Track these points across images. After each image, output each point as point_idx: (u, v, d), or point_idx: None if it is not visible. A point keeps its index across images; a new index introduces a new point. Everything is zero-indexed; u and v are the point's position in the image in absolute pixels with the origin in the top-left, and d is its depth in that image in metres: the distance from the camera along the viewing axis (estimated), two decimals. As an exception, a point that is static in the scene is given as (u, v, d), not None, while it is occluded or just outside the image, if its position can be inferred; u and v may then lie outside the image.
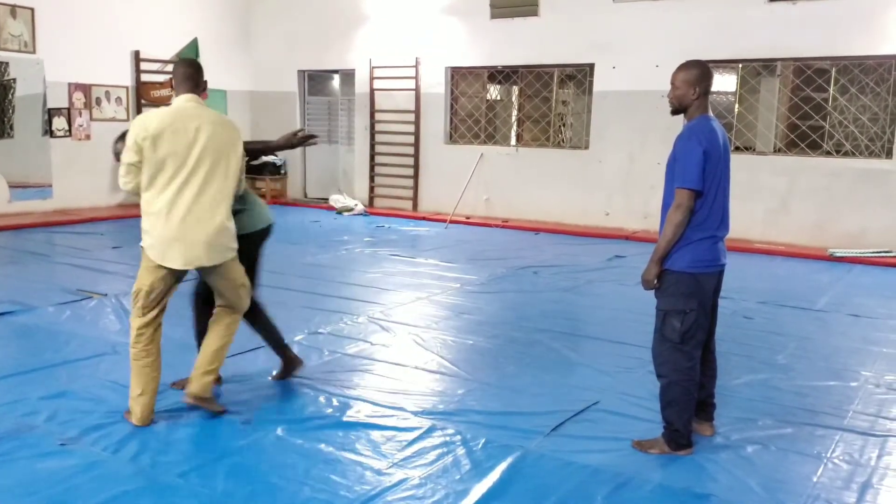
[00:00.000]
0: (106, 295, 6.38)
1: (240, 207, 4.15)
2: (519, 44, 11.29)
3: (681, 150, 3.51)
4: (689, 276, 3.52)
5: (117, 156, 3.97)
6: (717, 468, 3.54)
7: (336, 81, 14.00)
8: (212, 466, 3.40)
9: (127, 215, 11.16)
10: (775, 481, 3.42)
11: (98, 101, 11.58)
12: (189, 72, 3.86)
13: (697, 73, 3.54)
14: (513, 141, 12.25)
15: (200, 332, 4.23)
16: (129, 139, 3.67)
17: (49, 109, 10.99)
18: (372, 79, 12.70)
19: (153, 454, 3.51)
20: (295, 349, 5.08)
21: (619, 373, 4.82)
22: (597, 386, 4.57)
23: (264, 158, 13.66)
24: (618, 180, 10.80)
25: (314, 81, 13.94)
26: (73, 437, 3.65)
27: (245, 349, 5.05)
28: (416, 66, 12.19)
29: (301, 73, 13.65)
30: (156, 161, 3.66)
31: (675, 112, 3.68)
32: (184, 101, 3.80)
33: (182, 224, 3.70)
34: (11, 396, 4.13)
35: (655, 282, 3.58)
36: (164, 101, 12.38)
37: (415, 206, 12.52)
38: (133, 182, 3.74)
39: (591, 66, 10.89)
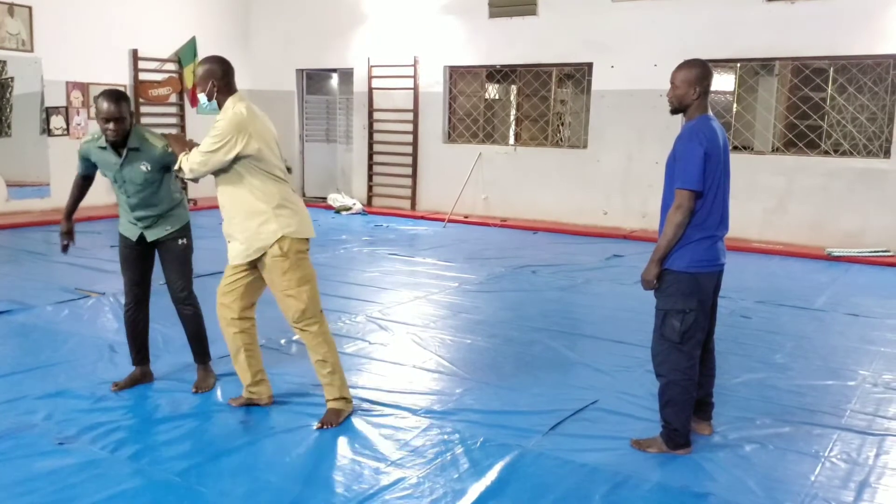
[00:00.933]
0: (104, 294, 6.37)
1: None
2: (517, 43, 11.29)
3: (681, 151, 3.51)
4: (688, 276, 3.52)
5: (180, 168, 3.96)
6: (715, 467, 3.54)
7: (334, 80, 13.99)
8: (210, 465, 3.40)
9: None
10: (773, 480, 3.42)
11: (96, 100, 11.54)
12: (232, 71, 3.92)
13: (698, 72, 3.54)
14: (511, 140, 12.26)
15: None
16: (241, 132, 3.70)
17: (47, 108, 10.98)
18: (370, 78, 12.70)
19: (152, 453, 3.51)
20: (292, 348, 5.10)
21: (617, 372, 4.82)
22: (595, 385, 4.57)
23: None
24: (616, 179, 10.80)
25: (312, 80, 13.93)
26: (71, 436, 3.65)
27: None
28: (414, 66, 12.18)
29: (299, 72, 13.64)
30: (269, 153, 3.85)
31: (674, 111, 3.67)
32: (244, 100, 3.88)
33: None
34: (10, 395, 4.13)
35: (655, 282, 3.58)
36: (163, 100, 12.38)
37: (413, 206, 12.52)
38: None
39: (590, 65, 10.89)
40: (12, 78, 10.85)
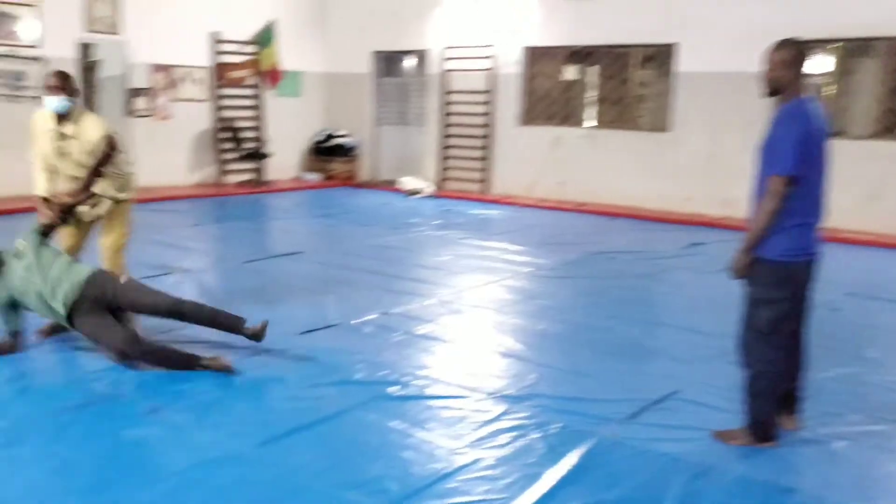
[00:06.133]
0: (188, 271, 6.53)
1: None
2: (598, 23, 11.05)
3: (775, 135, 3.36)
4: (780, 265, 3.37)
5: None
6: (802, 462, 3.40)
7: (409, 63, 13.99)
8: (288, 439, 3.44)
9: (206, 194, 11.45)
10: (866, 479, 3.27)
11: (178, 82, 11.85)
12: None
13: (794, 52, 3.39)
14: (590, 122, 12.03)
15: None
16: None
17: (131, 90, 11.32)
18: (446, 59, 12.64)
19: (234, 425, 3.58)
20: (366, 329, 5.12)
21: (697, 362, 4.68)
22: (674, 374, 4.45)
23: (336, 140, 13.80)
24: (698, 165, 10.48)
25: (387, 63, 13.96)
26: (158, 405, 3.75)
27: (317, 327, 5.11)
28: (491, 47, 12.07)
29: (375, 54, 13.69)
30: None
31: (769, 94, 3.52)
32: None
33: None
34: (101, 364, 4.26)
35: (745, 272, 3.44)
36: (241, 82, 12.60)
37: (486, 189, 12.44)
38: None
39: (673, 46, 10.58)
40: (100, 60, 11.21)
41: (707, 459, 3.40)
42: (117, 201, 4.70)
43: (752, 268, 3.44)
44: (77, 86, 4.55)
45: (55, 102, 4.42)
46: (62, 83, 4.42)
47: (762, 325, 3.42)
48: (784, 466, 3.37)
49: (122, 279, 4.39)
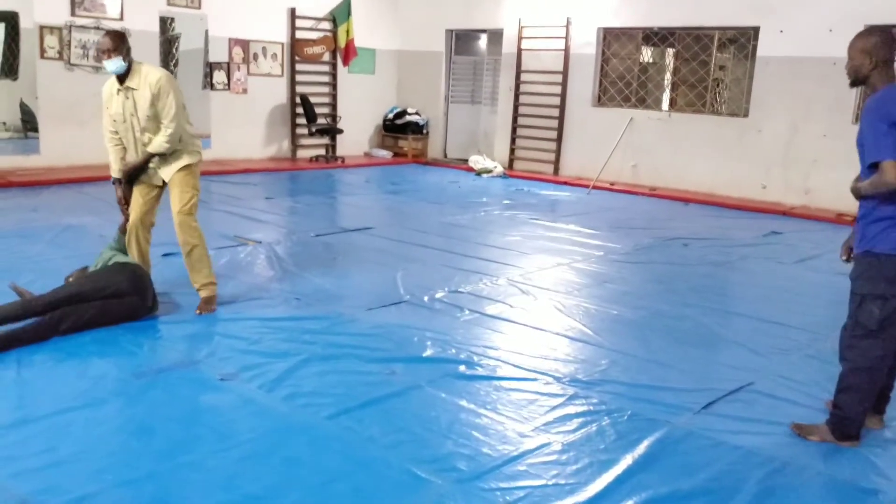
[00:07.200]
0: (260, 242, 6.65)
1: None
2: (678, 4, 10.74)
3: (865, 126, 3.23)
4: (893, 259, 3.23)
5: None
6: (887, 464, 3.27)
7: (483, 41, 13.89)
8: (359, 412, 3.48)
9: (279, 168, 11.63)
10: (956, 485, 3.11)
11: (255, 57, 12.03)
12: None
13: (875, 40, 3.27)
14: (665, 105, 11.75)
15: None
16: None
17: (210, 63, 11.53)
18: (520, 38, 12.49)
19: (305, 396, 3.63)
20: (436, 306, 5.13)
21: (774, 354, 4.54)
22: (750, 366, 4.33)
23: (407, 118, 13.83)
24: (777, 152, 10.14)
25: (461, 41, 13.89)
26: (231, 374, 3.83)
27: (387, 303, 5.14)
28: (566, 26, 11.87)
29: (449, 32, 13.62)
30: None
31: (852, 84, 3.42)
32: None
33: None
34: (175, 332, 4.39)
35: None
36: (317, 58, 12.72)
37: (556, 170, 12.30)
38: None
39: (756, 29, 10.21)
40: (180, 34, 11.44)
41: (784, 454, 3.30)
42: (182, 167, 4.75)
43: (861, 261, 3.33)
44: (128, 44, 4.57)
45: (112, 65, 4.52)
46: (114, 44, 4.50)
47: (871, 322, 3.28)
48: (867, 467, 3.25)
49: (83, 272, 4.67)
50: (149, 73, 4.58)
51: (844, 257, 3.62)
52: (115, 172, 4.83)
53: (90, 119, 10.08)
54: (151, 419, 3.34)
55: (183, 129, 4.69)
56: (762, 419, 3.64)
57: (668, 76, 12.08)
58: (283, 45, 12.33)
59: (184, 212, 4.72)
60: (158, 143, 4.62)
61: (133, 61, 4.61)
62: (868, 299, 3.29)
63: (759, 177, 10.30)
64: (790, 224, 8.84)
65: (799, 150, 9.93)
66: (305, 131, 12.68)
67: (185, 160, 4.76)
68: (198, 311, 4.70)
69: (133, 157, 4.76)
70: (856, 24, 8.75)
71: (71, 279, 4.61)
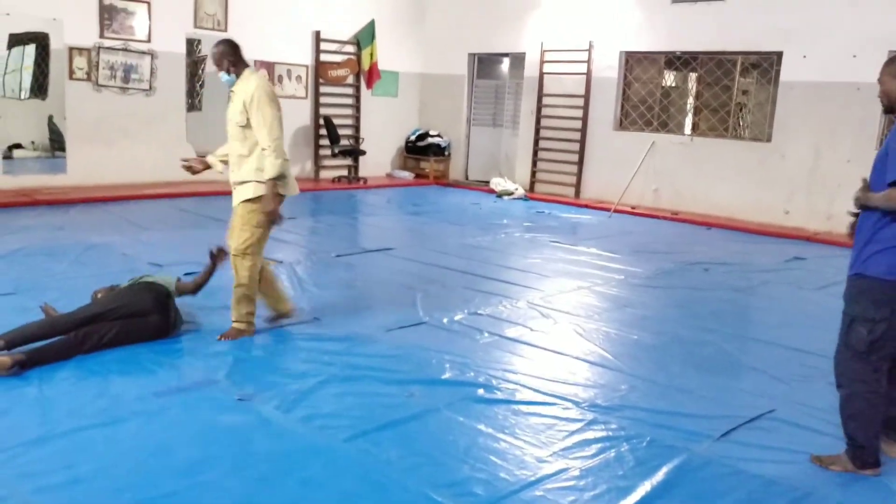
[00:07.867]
0: (282, 262, 6.70)
1: None
2: (700, 29, 10.75)
3: (886, 148, 3.22)
4: (884, 283, 3.23)
5: None
6: (909, 495, 3.21)
7: (505, 65, 13.97)
8: (377, 435, 3.47)
9: (302, 188, 11.64)
10: (982, 518, 3.05)
11: (280, 79, 12.18)
12: None
13: None
14: (687, 129, 11.73)
15: None
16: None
17: (236, 85, 11.67)
18: (542, 62, 12.55)
19: (322, 417, 3.63)
20: (455, 328, 5.13)
21: (795, 381, 4.50)
22: (771, 393, 4.28)
23: (429, 140, 13.91)
24: (801, 177, 10.07)
25: (483, 64, 13.99)
26: (249, 394, 3.85)
27: (406, 324, 5.15)
28: (588, 51, 11.92)
29: (471, 55, 13.72)
30: None
31: (886, 111, 3.43)
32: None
33: None
34: (200, 351, 4.43)
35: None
36: (341, 81, 12.85)
37: (577, 193, 12.29)
38: None
39: (779, 54, 10.19)
40: (206, 56, 11.62)
41: (804, 484, 3.26)
42: (246, 199, 4.61)
43: (853, 283, 3.35)
44: (234, 55, 4.62)
45: (223, 78, 4.66)
46: (217, 60, 4.63)
47: (860, 345, 3.29)
48: (887, 496, 3.21)
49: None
50: (248, 83, 4.57)
51: None
52: (212, 154, 4.95)
53: (117, 139, 10.29)
54: (170, 438, 3.36)
55: (271, 147, 4.49)
56: (783, 447, 3.60)
57: (690, 100, 12.07)
58: (307, 67, 12.49)
59: (237, 252, 4.66)
60: (266, 167, 4.53)
61: (247, 69, 4.66)
62: (857, 321, 3.31)
63: (782, 202, 10.23)
64: (813, 250, 8.76)
65: (822, 176, 9.86)
66: (328, 152, 12.80)
67: (249, 191, 4.62)
68: (220, 338, 4.64)
69: (231, 167, 4.73)
70: (879, 49, 8.73)
71: (99, 295, 4.67)
